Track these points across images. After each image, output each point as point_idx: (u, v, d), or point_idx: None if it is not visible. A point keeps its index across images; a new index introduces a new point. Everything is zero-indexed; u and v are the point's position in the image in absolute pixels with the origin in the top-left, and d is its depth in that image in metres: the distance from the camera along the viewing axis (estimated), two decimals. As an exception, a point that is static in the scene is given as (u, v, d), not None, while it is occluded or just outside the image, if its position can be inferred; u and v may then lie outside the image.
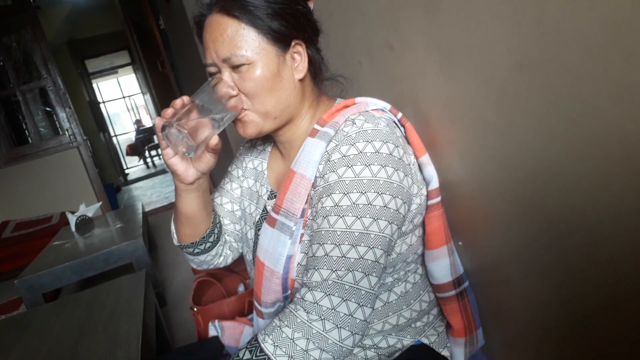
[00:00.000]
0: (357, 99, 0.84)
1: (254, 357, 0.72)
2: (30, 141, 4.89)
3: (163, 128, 0.76)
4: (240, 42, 0.78)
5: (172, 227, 1.01)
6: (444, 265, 0.87)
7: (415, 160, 0.83)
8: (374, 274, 0.73)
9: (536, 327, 0.85)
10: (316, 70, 0.87)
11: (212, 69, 0.83)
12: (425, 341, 0.87)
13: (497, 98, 0.71)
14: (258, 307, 0.89)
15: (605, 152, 0.56)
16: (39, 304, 2.08)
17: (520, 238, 0.79)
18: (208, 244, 0.99)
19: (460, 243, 0.94)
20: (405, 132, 0.85)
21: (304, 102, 0.87)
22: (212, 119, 0.78)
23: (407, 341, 0.85)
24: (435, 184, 0.84)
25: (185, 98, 0.79)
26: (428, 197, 0.85)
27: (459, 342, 0.88)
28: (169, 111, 0.77)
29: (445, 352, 0.88)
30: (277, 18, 0.79)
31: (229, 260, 1.06)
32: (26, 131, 4.92)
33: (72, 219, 2.73)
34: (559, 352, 0.81)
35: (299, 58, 0.83)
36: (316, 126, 0.82)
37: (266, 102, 0.81)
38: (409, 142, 0.84)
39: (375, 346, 0.84)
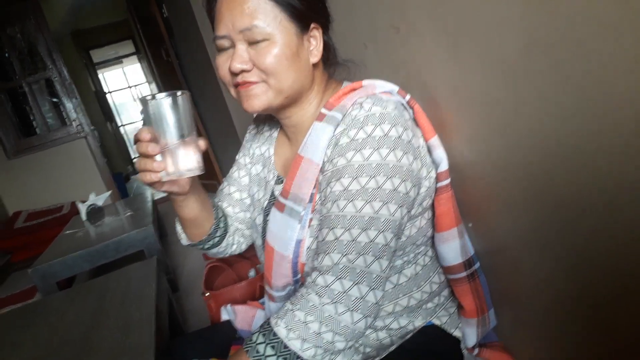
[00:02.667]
0: (365, 82, 0.84)
1: (267, 341, 0.73)
2: (38, 132, 4.91)
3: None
4: (261, 15, 0.76)
5: (178, 229, 1.01)
6: (454, 247, 0.87)
7: (424, 143, 0.83)
8: (384, 257, 0.74)
9: (548, 308, 0.85)
10: (329, 56, 0.87)
11: (224, 42, 0.80)
12: (437, 322, 0.87)
13: (506, 79, 0.70)
14: (269, 290, 0.90)
15: (619, 131, 0.55)
16: (52, 292, 2.12)
17: (531, 220, 0.79)
18: (216, 239, 1.00)
19: (470, 225, 0.94)
20: (414, 114, 0.84)
21: (313, 87, 0.87)
22: (180, 136, 0.74)
23: (419, 322, 0.86)
24: (444, 166, 0.84)
25: (145, 137, 0.73)
26: (437, 179, 0.85)
27: (471, 323, 0.88)
28: (149, 166, 0.74)
29: (457, 333, 0.89)
30: (307, 2, 0.79)
31: (243, 247, 1.07)
32: (34, 122, 4.94)
33: (82, 209, 2.76)
34: (569, 333, 0.81)
35: (314, 42, 0.83)
36: (323, 110, 0.82)
37: (283, 80, 0.80)
38: (417, 125, 0.84)
39: (386, 327, 0.84)
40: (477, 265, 0.92)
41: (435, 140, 0.84)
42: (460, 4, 0.74)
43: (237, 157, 1.07)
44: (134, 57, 9.72)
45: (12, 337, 1.18)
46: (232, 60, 0.78)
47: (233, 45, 0.79)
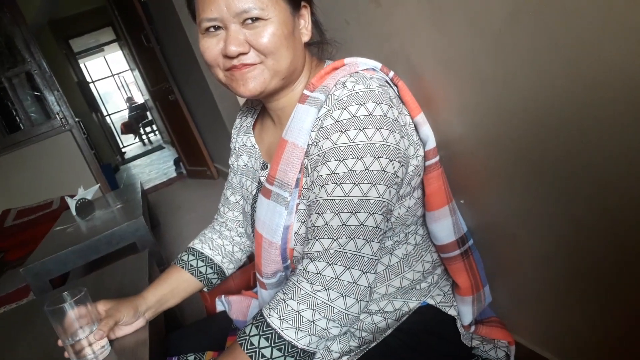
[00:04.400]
0: (347, 60, 0.81)
1: (260, 333, 0.71)
2: (22, 127, 4.83)
3: None
4: None
5: None
6: (446, 226, 0.85)
7: (410, 121, 0.81)
8: (375, 240, 0.72)
9: (543, 280, 0.84)
10: (317, 36, 0.85)
11: (213, 24, 0.76)
12: (431, 302, 0.86)
13: (494, 48, 0.67)
14: (260, 278, 0.89)
15: (609, 97, 0.53)
16: (46, 290, 2.09)
17: (525, 193, 0.77)
18: (215, 281, 1.04)
19: (462, 201, 0.92)
20: (398, 92, 0.81)
21: (303, 67, 0.84)
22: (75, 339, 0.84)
23: (413, 303, 0.85)
24: (432, 143, 0.82)
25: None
26: (425, 157, 0.82)
27: (466, 301, 0.87)
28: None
29: (452, 312, 0.88)
30: None
31: (245, 257, 1.09)
32: (17, 118, 4.85)
33: (72, 203, 2.71)
34: (566, 304, 0.80)
35: (304, 22, 0.81)
36: (306, 92, 0.79)
37: (282, 60, 0.77)
38: (403, 102, 0.81)
39: (381, 310, 0.83)
40: (471, 242, 0.90)
41: (421, 118, 0.81)
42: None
43: (229, 161, 1.05)
44: (115, 45, 9.55)
45: (7, 339, 1.16)
46: (228, 44, 0.75)
47: (224, 28, 0.76)
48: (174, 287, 0.99)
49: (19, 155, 4.67)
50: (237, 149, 1.02)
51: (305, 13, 0.82)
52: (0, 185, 4.63)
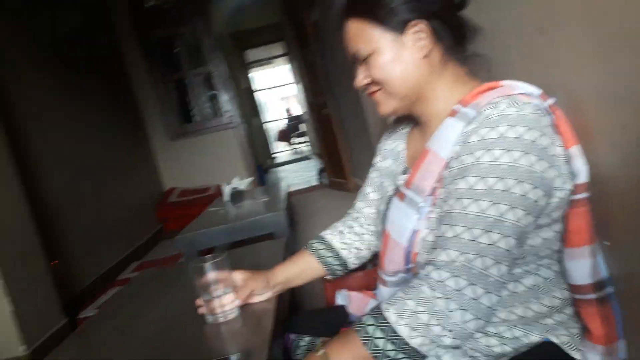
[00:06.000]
0: (504, 82, 0.82)
1: (377, 324, 0.76)
2: (196, 120, 5.53)
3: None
4: (359, 38, 0.87)
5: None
6: (583, 266, 0.80)
7: (563, 152, 0.79)
8: (504, 263, 0.72)
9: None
10: (447, 46, 0.86)
11: (354, 63, 0.93)
12: (555, 340, 0.82)
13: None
14: (381, 274, 0.93)
15: None
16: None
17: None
18: (339, 272, 1.12)
19: (607, 243, 0.86)
20: (555, 120, 0.80)
21: (434, 80, 0.87)
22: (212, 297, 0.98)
23: (535, 337, 0.81)
24: (583, 178, 0.79)
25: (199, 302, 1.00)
26: (574, 192, 0.79)
27: (597, 349, 0.81)
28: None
29: (577, 356, 0.82)
30: (391, 7, 0.84)
31: (370, 256, 1.15)
32: (192, 111, 5.57)
33: (226, 190, 3.05)
34: None
35: (422, 36, 0.84)
36: (457, 106, 0.82)
37: (392, 84, 0.87)
38: (558, 132, 0.80)
39: (498, 335, 0.82)
40: (610, 290, 0.83)
41: (575, 150, 0.79)
42: (611, 3, 0.69)
43: (373, 160, 1.12)
44: (284, 59, 10.37)
45: (158, 290, 1.37)
46: (355, 80, 0.92)
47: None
48: (302, 269, 1.09)
49: (188, 143, 5.33)
50: (384, 150, 1.08)
51: (422, 27, 0.83)
52: (171, 166, 5.32)
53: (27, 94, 3.12)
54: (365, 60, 0.88)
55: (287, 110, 12.82)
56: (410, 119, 1.03)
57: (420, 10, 0.84)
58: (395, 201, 0.90)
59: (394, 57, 0.85)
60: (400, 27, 0.84)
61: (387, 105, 0.91)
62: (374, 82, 0.90)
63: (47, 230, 2.84)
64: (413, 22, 0.84)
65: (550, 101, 0.80)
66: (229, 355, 0.82)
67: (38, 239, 2.51)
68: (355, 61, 0.92)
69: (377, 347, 0.74)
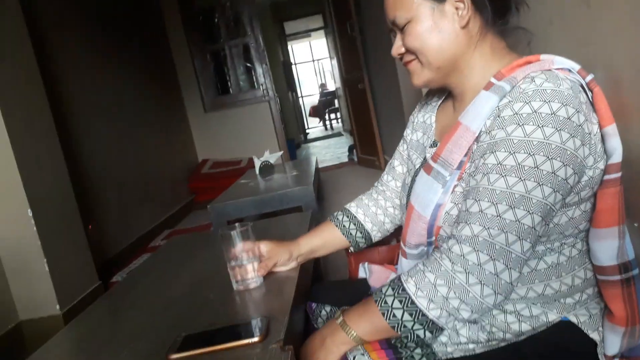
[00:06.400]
0: (543, 56, 0.80)
1: (395, 294, 0.77)
2: (231, 92, 5.57)
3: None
4: (399, 5, 0.85)
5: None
6: (610, 247, 0.78)
7: (598, 130, 0.76)
8: (528, 240, 0.71)
9: None
10: (487, 16, 0.84)
11: (392, 31, 0.92)
12: (574, 320, 0.81)
13: None
14: (403, 247, 0.94)
15: None
16: (223, 229, 2.45)
17: None
18: (362, 244, 1.13)
19: (636, 224, 0.83)
20: (592, 97, 0.77)
21: (471, 51, 0.85)
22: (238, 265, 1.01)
23: (553, 316, 0.80)
24: (617, 158, 0.76)
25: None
26: (606, 171, 0.77)
27: (617, 331, 0.79)
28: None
29: (594, 336, 0.80)
30: None
31: (393, 229, 1.15)
32: (228, 82, 5.60)
33: (257, 163, 3.08)
34: None
35: (461, 5, 0.82)
36: (492, 79, 0.81)
37: (428, 54, 0.85)
38: (594, 109, 0.77)
39: (516, 312, 0.81)
40: (636, 271, 0.81)
41: (611, 129, 0.76)
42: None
43: (404, 133, 1.11)
44: (321, 32, 10.27)
45: (190, 254, 1.42)
46: (392, 49, 0.90)
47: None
48: (326, 240, 1.11)
49: (223, 114, 5.38)
50: (415, 122, 1.07)
51: None
52: (205, 137, 5.40)
53: (71, 57, 3.20)
54: (403, 28, 0.86)
55: (322, 86, 12.75)
56: (443, 92, 1.01)
57: None
58: (422, 174, 0.89)
59: (432, 26, 0.83)
60: None
61: (421, 76, 0.89)
62: (409, 51, 0.88)
63: (84, 195, 2.94)
64: None
65: (589, 77, 0.77)
66: (251, 319, 0.84)
67: (75, 204, 2.60)
68: (392, 29, 0.90)
69: (394, 317, 0.75)
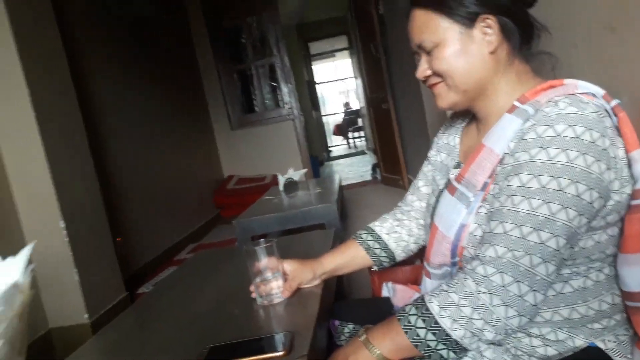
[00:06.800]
0: (567, 80, 0.80)
1: (419, 314, 0.77)
2: (257, 110, 5.66)
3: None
4: (427, 28, 0.86)
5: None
6: (638, 273, 0.77)
7: (624, 155, 0.76)
8: (552, 262, 0.71)
9: None
10: (515, 43, 0.85)
11: (416, 54, 0.92)
12: (601, 345, 0.80)
13: None
14: (426, 267, 0.94)
15: None
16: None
17: None
18: (386, 263, 1.12)
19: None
20: (617, 122, 0.77)
21: (499, 76, 0.86)
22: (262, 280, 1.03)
23: (580, 341, 0.79)
24: None
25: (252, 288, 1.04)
26: (633, 196, 0.76)
27: (647, 358, 0.78)
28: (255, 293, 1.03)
29: (624, 363, 0.79)
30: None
31: (417, 250, 1.15)
32: (254, 101, 5.70)
33: (281, 180, 3.12)
34: None
35: (490, 31, 0.83)
36: (516, 103, 0.82)
37: (456, 77, 0.86)
38: (620, 134, 0.77)
39: (542, 336, 0.80)
40: None
41: (637, 154, 0.75)
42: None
43: (428, 154, 1.12)
44: (346, 52, 10.38)
45: (214, 268, 1.44)
46: (416, 71, 0.91)
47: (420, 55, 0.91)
48: (349, 259, 1.11)
49: (249, 132, 5.47)
50: (439, 144, 1.08)
51: (491, 23, 0.83)
52: (231, 154, 5.49)
53: (103, 73, 3.31)
54: (429, 51, 0.87)
55: (346, 104, 12.83)
56: (467, 114, 1.03)
57: (491, 5, 0.83)
58: (446, 195, 0.90)
59: (460, 50, 0.84)
60: (469, 20, 0.83)
61: (447, 99, 0.90)
62: (436, 74, 0.89)
63: (113, 208, 3.02)
64: (483, 16, 0.83)
65: (614, 102, 0.78)
66: (275, 333, 0.86)
67: (105, 216, 2.67)
68: (418, 52, 0.91)
69: (418, 336, 0.76)
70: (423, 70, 0.90)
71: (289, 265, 1.05)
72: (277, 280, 1.02)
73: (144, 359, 0.88)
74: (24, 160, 2.24)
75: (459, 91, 0.87)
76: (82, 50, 3.08)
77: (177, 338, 0.96)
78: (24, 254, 0.39)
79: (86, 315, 2.34)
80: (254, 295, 1.04)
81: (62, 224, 2.28)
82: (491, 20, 0.83)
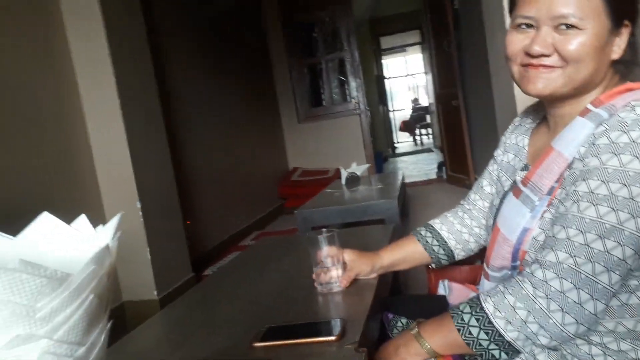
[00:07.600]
0: None
1: (473, 313, 0.77)
2: (324, 104, 5.73)
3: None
4: (584, 5, 0.76)
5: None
6: None
7: None
8: (617, 272, 0.69)
9: None
10: (629, 56, 0.81)
11: (526, 21, 0.80)
12: (668, 361, 0.76)
13: None
14: (486, 268, 0.93)
15: None
16: (308, 234, 2.55)
17: None
18: (444, 261, 1.12)
19: None
20: None
21: (602, 83, 0.82)
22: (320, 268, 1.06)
23: (644, 354, 0.77)
24: None
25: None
26: None
27: None
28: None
29: (694, 382, 0.75)
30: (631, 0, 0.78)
31: (477, 250, 1.14)
32: (322, 95, 5.77)
33: (344, 174, 3.16)
34: None
35: (619, 40, 0.79)
36: (589, 106, 0.79)
37: (582, 70, 0.78)
38: None
39: (602, 345, 0.78)
40: None
41: None
42: None
43: (494, 153, 1.10)
44: (417, 47, 10.21)
45: (276, 255, 1.50)
46: (534, 43, 0.78)
47: (535, 27, 0.79)
48: (407, 255, 1.12)
49: (315, 126, 5.55)
50: (507, 144, 1.05)
51: (625, 32, 0.79)
52: (297, 146, 5.61)
53: (181, 66, 3.50)
54: (565, 30, 0.76)
55: (414, 100, 12.62)
56: (539, 114, 1.00)
57: (633, 12, 0.80)
58: (510, 197, 0.89)
59: (600, 47, 0.77)
60: (620, 22, 0.79)
61: (549, 87, 0.80)
62: (554, 57, 0.78)
63: (185, 193, 3.19)
64: (626, 22, 0.80)
65: None
66: (330, 319, 0.89)
67: (177, 200, 2.83)
68: (536, 23, 0.79)
69: (470, 334, 0.76)
70: (547, 44, 0.78)
71: (348, 255, 1.08)
72: (337, 269, 1.05)
73: (206, 333, 0.95)
74: (108, 143, 2.43)
75: (572, 84, 0.79)
76: (164, 44, 3.26)
77: (237, 317, 1.01)
78: (114, 222, 0.44)
79: (155, 292, 2.51)
80: (316, 284, 1.07)
81: (138, 205, 2.45)
82: (627, 29, 0.80)
